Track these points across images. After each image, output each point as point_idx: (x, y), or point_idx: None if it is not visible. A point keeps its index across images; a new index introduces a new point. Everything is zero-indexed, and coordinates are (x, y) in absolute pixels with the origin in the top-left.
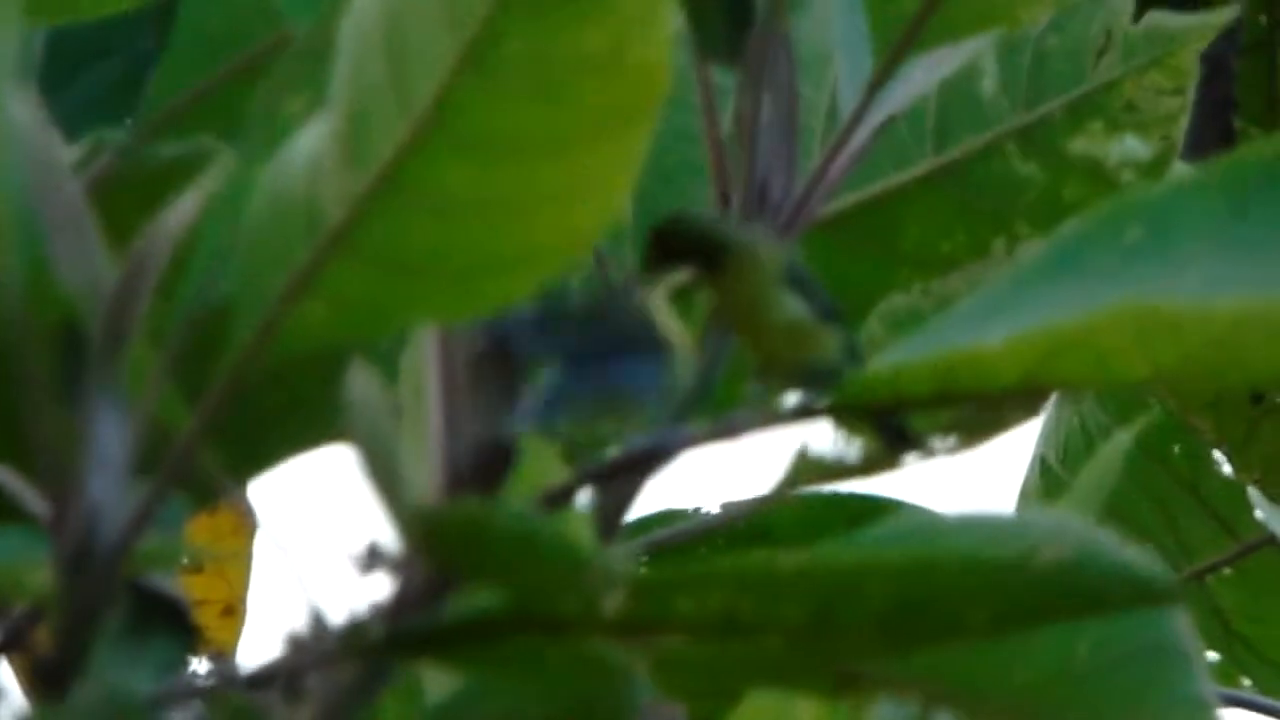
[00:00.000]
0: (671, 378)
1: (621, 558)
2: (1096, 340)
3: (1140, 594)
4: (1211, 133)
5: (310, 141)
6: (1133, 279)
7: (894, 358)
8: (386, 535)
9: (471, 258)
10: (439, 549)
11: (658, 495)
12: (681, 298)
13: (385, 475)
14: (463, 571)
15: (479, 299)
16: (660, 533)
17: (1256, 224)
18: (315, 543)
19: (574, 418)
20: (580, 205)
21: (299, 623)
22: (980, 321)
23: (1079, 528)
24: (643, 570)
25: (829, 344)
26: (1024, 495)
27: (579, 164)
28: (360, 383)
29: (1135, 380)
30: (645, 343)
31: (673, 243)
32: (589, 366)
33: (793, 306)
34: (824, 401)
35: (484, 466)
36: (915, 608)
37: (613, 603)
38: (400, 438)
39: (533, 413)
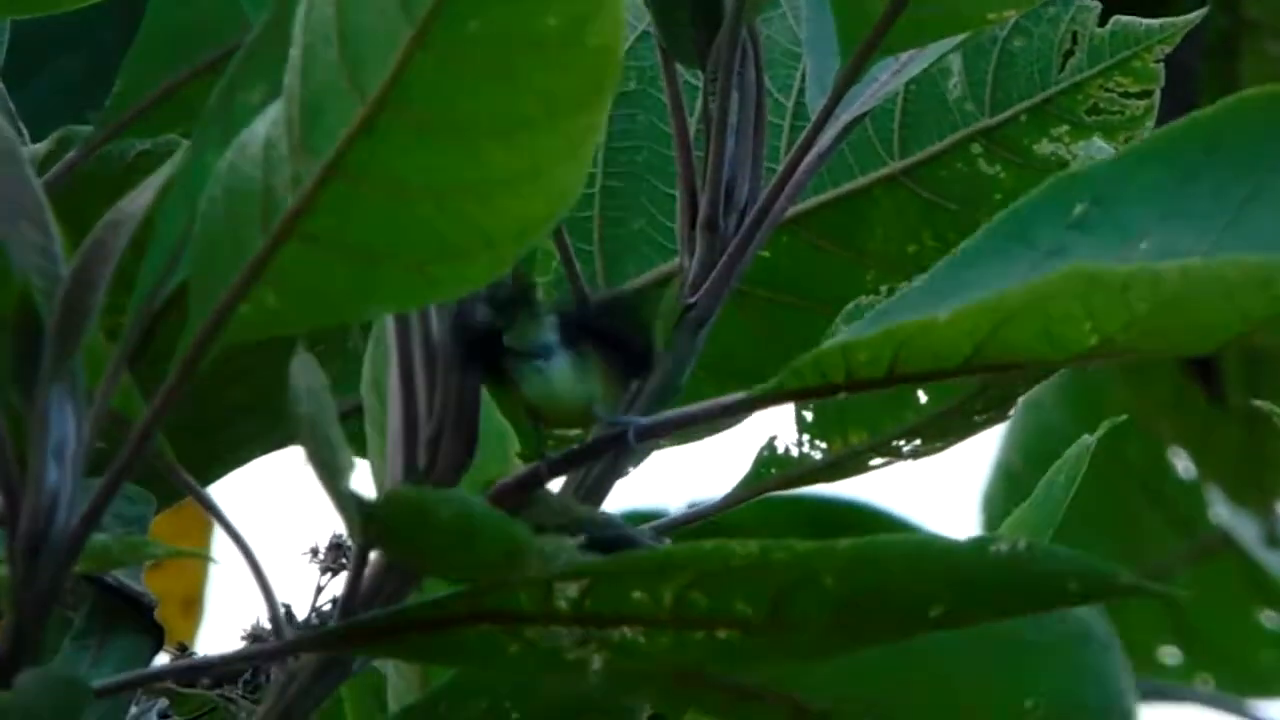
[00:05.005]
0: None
1: (561, 546)
2: (1045, 307)
3: (1094, 586)
4: None
5: (265, 128)
6: (1082, 253)
7: (842, 338)
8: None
9: (425, 244)
10: (377, 533)
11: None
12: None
13: (326, 461)
14: (402, 554)
15: (433, 286)
16: None
17: (1201, 195)
18: (276, 539)
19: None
20: (534, 190)
21: (261, 617)
22: (929, 301)
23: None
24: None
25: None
26: (987, 499)
27: (532, 148)
28: (302, 369)
29: (1083, 350)
30: (630, 333)
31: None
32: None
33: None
34: (773, 387)
35: (443, 459)
36: (870, 598)
37: (567, 594)
38: (336, 424)
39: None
